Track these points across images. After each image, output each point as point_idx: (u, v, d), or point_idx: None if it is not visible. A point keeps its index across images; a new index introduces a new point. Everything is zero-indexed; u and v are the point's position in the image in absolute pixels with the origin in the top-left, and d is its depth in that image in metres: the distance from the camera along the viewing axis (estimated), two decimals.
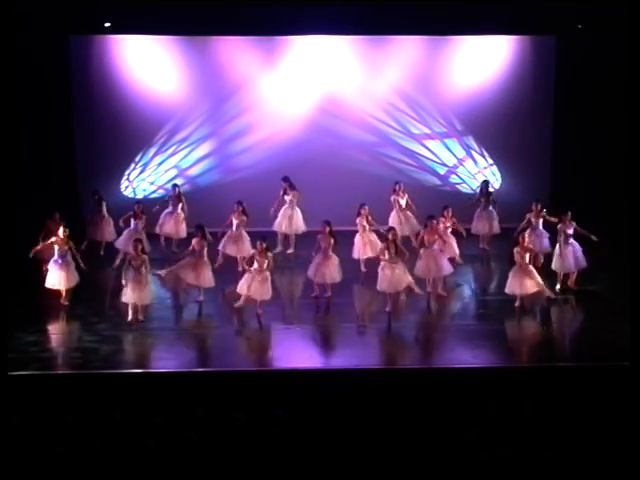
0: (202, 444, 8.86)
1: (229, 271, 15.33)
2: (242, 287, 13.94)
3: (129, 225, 16.24)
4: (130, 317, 13.62)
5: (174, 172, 18.72)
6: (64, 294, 14.30)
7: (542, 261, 15.45)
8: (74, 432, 9.25)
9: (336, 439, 9.17)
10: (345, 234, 15.59)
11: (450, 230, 15.76)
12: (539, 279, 14.23)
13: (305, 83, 18.46)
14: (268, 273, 13.97)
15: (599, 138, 17.83)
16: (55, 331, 13.72)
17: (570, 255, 14.89)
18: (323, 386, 11.37)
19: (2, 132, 15.50)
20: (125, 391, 11.32)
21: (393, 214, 16.73)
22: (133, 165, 18.70)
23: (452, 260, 15.49)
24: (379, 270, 14.17)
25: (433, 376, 11.86)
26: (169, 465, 8.65)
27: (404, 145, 18.87)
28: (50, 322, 13.92)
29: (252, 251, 14.35)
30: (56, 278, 14.22)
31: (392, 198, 16.82)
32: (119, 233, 16.44)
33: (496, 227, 17.16)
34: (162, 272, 14.49)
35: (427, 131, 18.89)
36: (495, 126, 18.54)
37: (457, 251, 15.81)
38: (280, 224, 16.87)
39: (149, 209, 16.76)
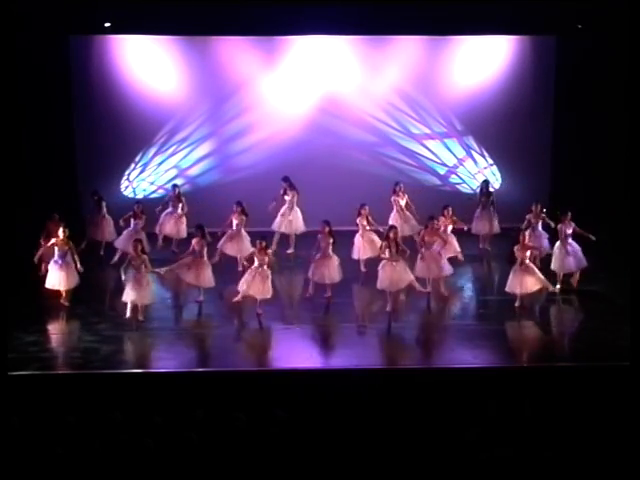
0: (202, 444, 8.86)
1: (229, 271, 15.33)
2: (242, 284, 13.94)
3: (129, 225, 16.25)
4: (128, 314, 13.60)
5: (174, 172, 18.73)
6: (64, 295, 14.30)
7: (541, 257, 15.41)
8: (74, 432, 9.25)
9: (336, 439, 9.17)
10: (345, 234, 15.59)
11: (451, 229, 15.79)
12: (540, 275, 14.24)
13: (305, 83, 18.46)
14: (269, 271, 13.97)
15: (599, 138, 17.83)
16: (55, 331, 13.72)
17: (569, 255, 14.90)
18: (323, 386, 11.36)
19: (2, 132, 15.51)
20: (125, 391, 11.31)
21: (393, 214, 16.73)
22: (133, 165, 18.71)
23: (454, 259, 15.51)
24: (379, 269, 14.16)
25: (433, 376, 11.86)
26: (169, 465, 8.65)
27: (404, 145, 18.87)
28: (50, 322, 13.92)
29: (252, 249, 14.38)
30: (56, 279, 14.21)
31: (392, 198, 16.82)
32: (119, 233, 16.45)
33: (496, 227, 17.17)
34: (161, 270, 14.48)
35: (427, 131, 18.90)
36: (495, 126, 18.55)
37: (458, 249, 15.84)
38: (279, 224, 16.87)
39: (149, 209, 16.76)
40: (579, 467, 8.70)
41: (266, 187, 17.09)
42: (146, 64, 18.28)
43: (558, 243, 15.04)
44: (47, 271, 14.37)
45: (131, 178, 18.78)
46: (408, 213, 16.80)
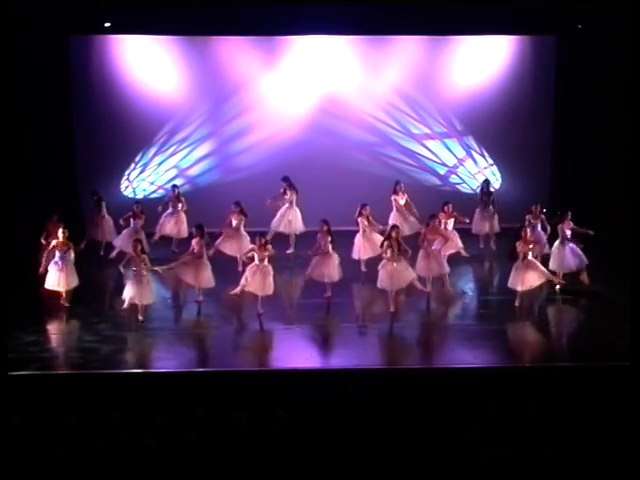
0: (202, 444, 8.86)
1: (229, 271, 15.32)
2: (243, 280, 13.91)
3: (129, 225, 16.26)
4: (125, 306, 13.57)
5: (174, 172, 18.74)
6: (64, 295, 14.29)
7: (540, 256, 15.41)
8: (74, 432, 9.25)
9: (336, 439, 9.17)
10: (345, 234, 15.59)
11: (452, 225, 15.80)
12: (543, 268, 14.24)
13: (305, 83, 18.47)
14: (270, 267, 13.96)
15: (599, 138, 17.83)
16: (55, 331, 13.72)
17: (569, 254, 14.89)
18: (323, 386, 11.36)
19: (2, 132, 15.50)
20: (125, 391, 11.31)
21: (393, 214, 16.72)
22: (133, 165, 18.72)
23: (458, 254, 15.52)
24: (379, 268, 14.14)
25: (433, 376, 11.85)
26: (169, 465, 8.65)
27: (404, 145, 18.88)
28: (50, 322, 13.92)
29: (251, 246, 14.40)
30: (55, 279, 14.20)
31: (392, 198, 16.81)
32: (119, 233, 16.45)
33: (496, 226, 17.19)
34: (161, 269, 14.46)
35: (427, 131, 18.90)
36: (495, 126, 18.55)
37: (461, 244, 15.86)
38: (278, 224, 16.87)
39: (149, 209, 16.76)
40: (579, 467, 8.70)
41: (266, 187, 17.08)
42: (146, 64, 18.29)
43: (557, 243, 15.04)
44: (47, 271, 14.37)
45: (131, 178, 18.78)
46: (408, 213, 16.79)
